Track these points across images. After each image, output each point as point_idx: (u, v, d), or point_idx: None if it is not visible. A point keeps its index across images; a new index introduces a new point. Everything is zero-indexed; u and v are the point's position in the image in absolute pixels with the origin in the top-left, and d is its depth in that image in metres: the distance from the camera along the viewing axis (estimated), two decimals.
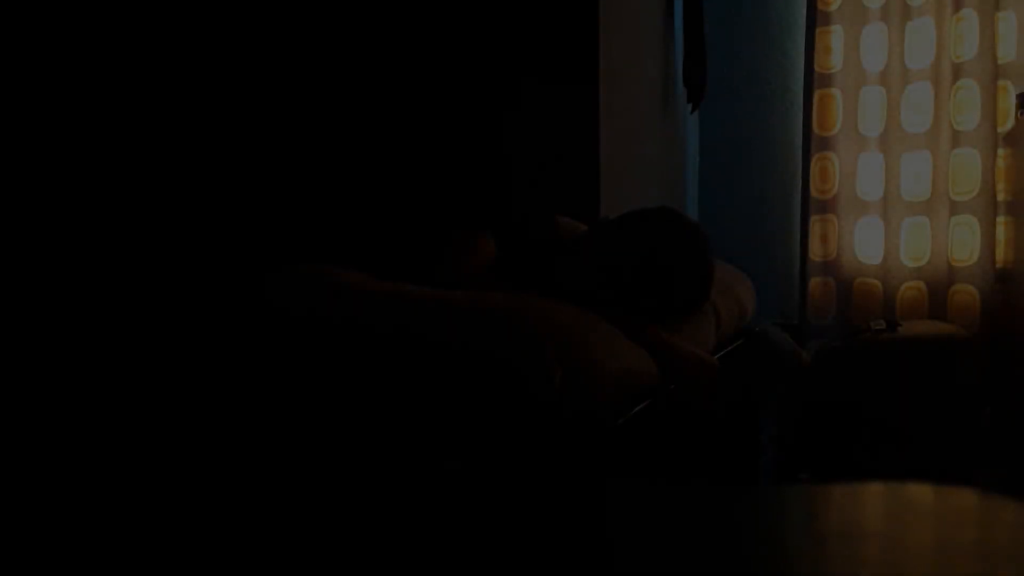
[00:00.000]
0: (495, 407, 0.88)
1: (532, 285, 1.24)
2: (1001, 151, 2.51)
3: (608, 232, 1.33)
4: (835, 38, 2.71)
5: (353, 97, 1.95)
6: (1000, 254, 2.51)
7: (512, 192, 1.93)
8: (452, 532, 0.55)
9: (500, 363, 0.87)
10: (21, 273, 1.26)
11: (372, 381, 0.93)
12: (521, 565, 0.48)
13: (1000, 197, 2.51)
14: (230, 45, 1.68)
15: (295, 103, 1.84)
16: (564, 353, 0.90)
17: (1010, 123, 2.50)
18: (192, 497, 0.91)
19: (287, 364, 0.98)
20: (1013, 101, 2.49)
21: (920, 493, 0.56)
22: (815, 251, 2.77)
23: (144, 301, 1.20)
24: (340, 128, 1.93)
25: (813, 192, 2.76)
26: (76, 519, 0.91)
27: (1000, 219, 2.51)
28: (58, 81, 1.40)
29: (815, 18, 2.74)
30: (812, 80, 2.75)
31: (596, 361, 0.96)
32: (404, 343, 0.91)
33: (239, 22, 1.69)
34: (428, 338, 0.90)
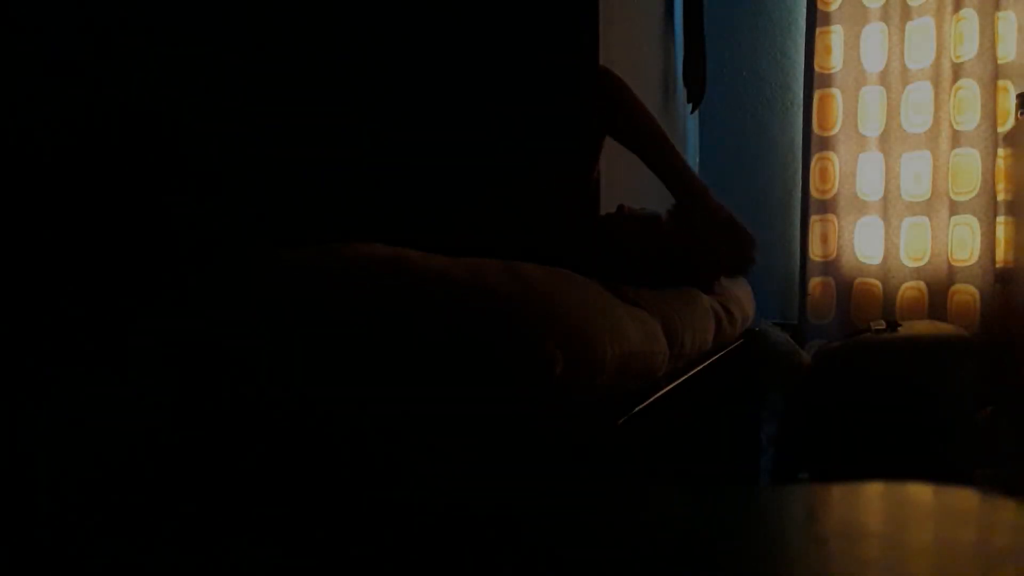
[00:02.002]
0: (493, 402, 0.87)
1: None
2: (1001, 151, 2.51)
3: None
4: (835, 38, 2.71)
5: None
6: (1000, 254, 2.51)
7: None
8: (446, 531, 0.55)
9: (499, 357, 0.87)
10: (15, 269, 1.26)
11: (364, 371, 0.92)
12: (519, 566, 0.48)
13: (1000, 197, 2.51)
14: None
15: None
16: (565, 344, 0.89)
17: (1010, 123, 2.51)
18: (179, 492, 0.91)
19: (276, 353, 0.97)
20: (1013, 101, 2.49)
21: (920, 493, 0.56)
22: (815, 251, 2.78)
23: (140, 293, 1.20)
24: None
25: (813, 192, 2.77)
26: (75, 518, 0.91)
27: (1000, 219, 2.51)
28: (55, 76, 1.40)
29: (815, 18, 2.74)
30: (812, 80, 2.75)
31: (597, 350, 0.96)
32: (400, 333, 0.90)
33: None
34: (424, 332, 0.89)
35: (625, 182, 2.16)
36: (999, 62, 2.50)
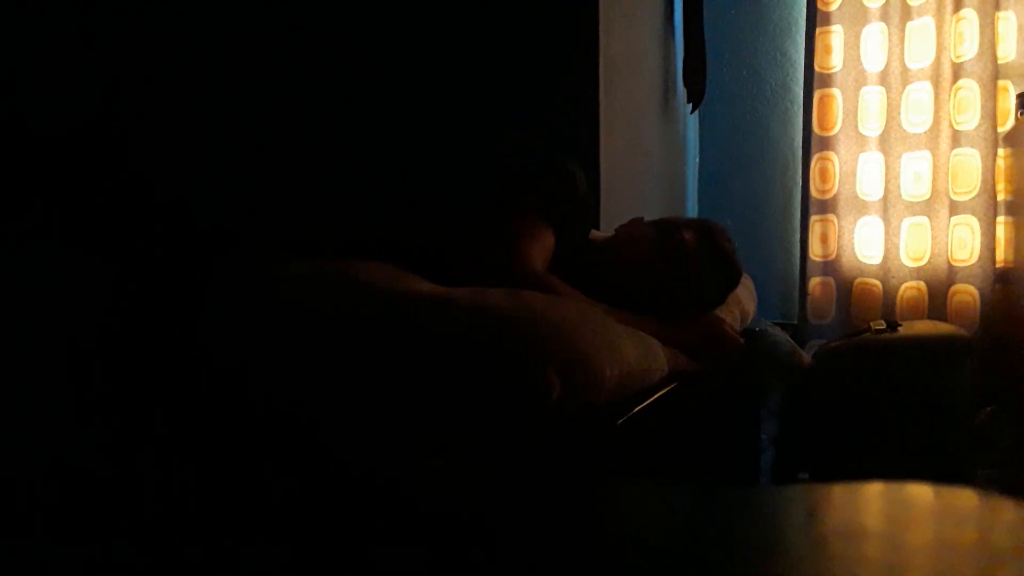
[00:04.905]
0: (494, 411, 0.88)
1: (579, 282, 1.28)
2: (1001, 151, 2.51)
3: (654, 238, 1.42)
4: (835, 38, 2.71)
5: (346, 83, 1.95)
6: (1000, 254, 2.51)
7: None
8: (445, 531, 0.55)
9: (501, 372, 0.87)
10: (19, 271, 1.26)
11: (372, 380, 0.93)
12: (519, 566, 0.48)
13: (1000, 197, 2.51)
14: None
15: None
16: (564, 367, 0.90)
17: (1010, 123, 2.50)
18: (185, 493, 0.91)
19: (287, 357, 0.98)
20: (1013, 101, 2.49)
21: (920, 493, 0.56)
22: (815, 251, 2.77)
23: (146, 295, 1.20)
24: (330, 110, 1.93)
25: (813, 192, 2.76)
26: (73, 519, 0.91)
27: (1000, 219, 2.51)
28: (54, 77, 1.40)
29: (815, 18, 2.74)
30: (812, 80, 2.75)
31: (596, 373, 0.97)
32: (410, 343, 0.91)
33: None
34: (431, 342, 0.90)
35: (624, 177, 2.16)
36: (999, 62, 2.50)
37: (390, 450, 0.89)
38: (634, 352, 1.11)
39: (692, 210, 2.95)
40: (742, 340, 1.48)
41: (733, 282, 1.53)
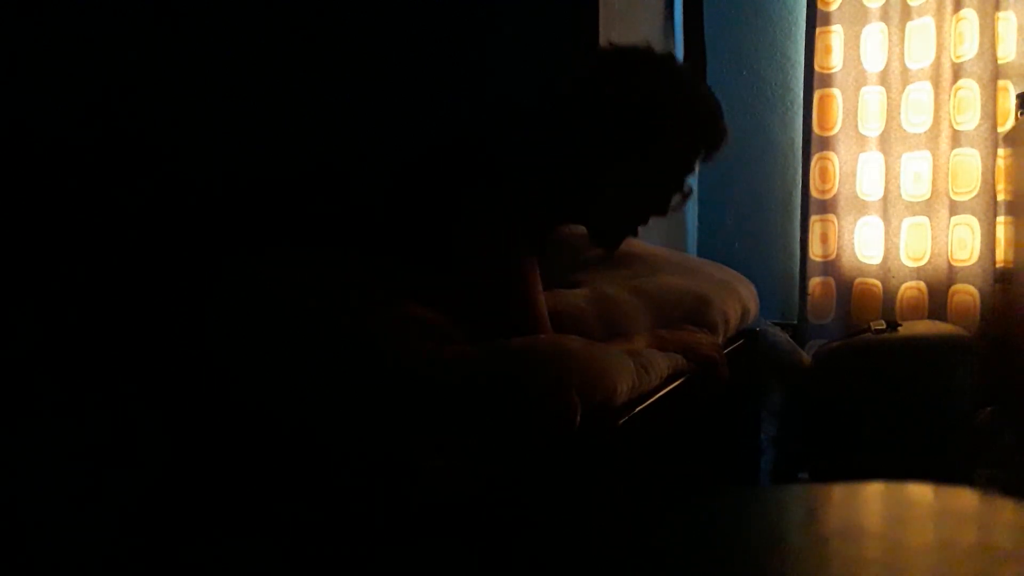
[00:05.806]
0: (526, 434, 0.93)
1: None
2: (1001, 151, 2.51)
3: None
4: (835, 38, 2.71)
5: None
6: (1000, 254, 2.51)
7: None
8: (448, 532, 0.55)
9: (529, 400, 0.96)
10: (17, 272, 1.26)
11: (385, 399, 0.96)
12: (521, 566, 0.48)
13: (1000, 197, 2.51)
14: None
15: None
16: (583, 383, 0.99)
17: (1010, 123, 2.50)
18: (195, 497, 0.91)
19: (322, 375, 1.01)
20: (1013, 101, 2.49)
21: (920, 493, 0.56)
22: (815, 251, 2.77)
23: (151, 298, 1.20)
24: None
25: (813, 192, 2.76)
26: (73, 518, 0.91)
27: (1000, 219, 2.51)
28: (48, 78, 1.40)
29: (815, 18, 2.73)
30: (812, 80, 2.75)
31: (611, 385, 1.06)
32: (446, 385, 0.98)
33: None
34: (469, 379, 0.97)
35: None
36: (999, 62, 2.50)
37: (421, 458, 0.92)
38: (633, 362, 1.19)
39: (692, 210, 2.95)
40: (726, 367, 1.50)
41: (698, 106, 1.38)
